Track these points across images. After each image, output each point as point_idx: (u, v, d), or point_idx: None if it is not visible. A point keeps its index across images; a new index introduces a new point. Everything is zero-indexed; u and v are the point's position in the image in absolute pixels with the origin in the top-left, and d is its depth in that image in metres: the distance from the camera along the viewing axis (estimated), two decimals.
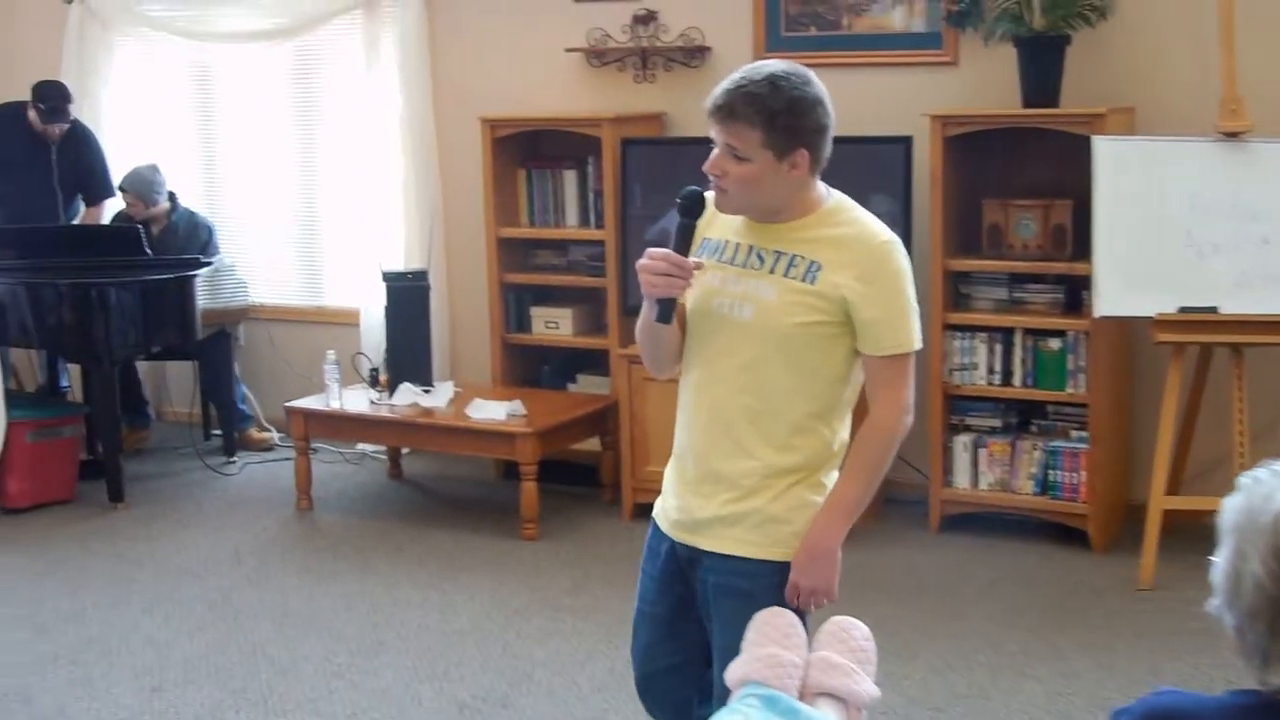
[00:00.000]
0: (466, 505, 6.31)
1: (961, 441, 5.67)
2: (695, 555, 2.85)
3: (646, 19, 6.37)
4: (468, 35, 6.77)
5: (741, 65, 2.77)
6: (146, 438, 7.37)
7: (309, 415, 6.26)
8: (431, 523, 6.02)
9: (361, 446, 6.96)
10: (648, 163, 6.16)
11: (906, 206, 5.57)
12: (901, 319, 2.72)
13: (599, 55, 6.47)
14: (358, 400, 6.30)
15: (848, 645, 2.70)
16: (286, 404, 6.43)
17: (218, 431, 7.25)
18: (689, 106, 6.28)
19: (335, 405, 6.24)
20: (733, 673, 2.66)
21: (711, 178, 2.72)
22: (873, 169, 5.63)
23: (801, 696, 2.60)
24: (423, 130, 6.88)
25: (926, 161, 5.56)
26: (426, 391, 6.18)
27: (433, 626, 4.88)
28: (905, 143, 5.60)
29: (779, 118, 2.61)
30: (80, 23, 7.59)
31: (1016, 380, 5.59)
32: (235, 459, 7.03)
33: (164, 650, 4.74)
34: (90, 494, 6.39)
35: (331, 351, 6.35)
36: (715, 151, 2.69)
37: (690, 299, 2.80)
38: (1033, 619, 4.83)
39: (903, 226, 5.55)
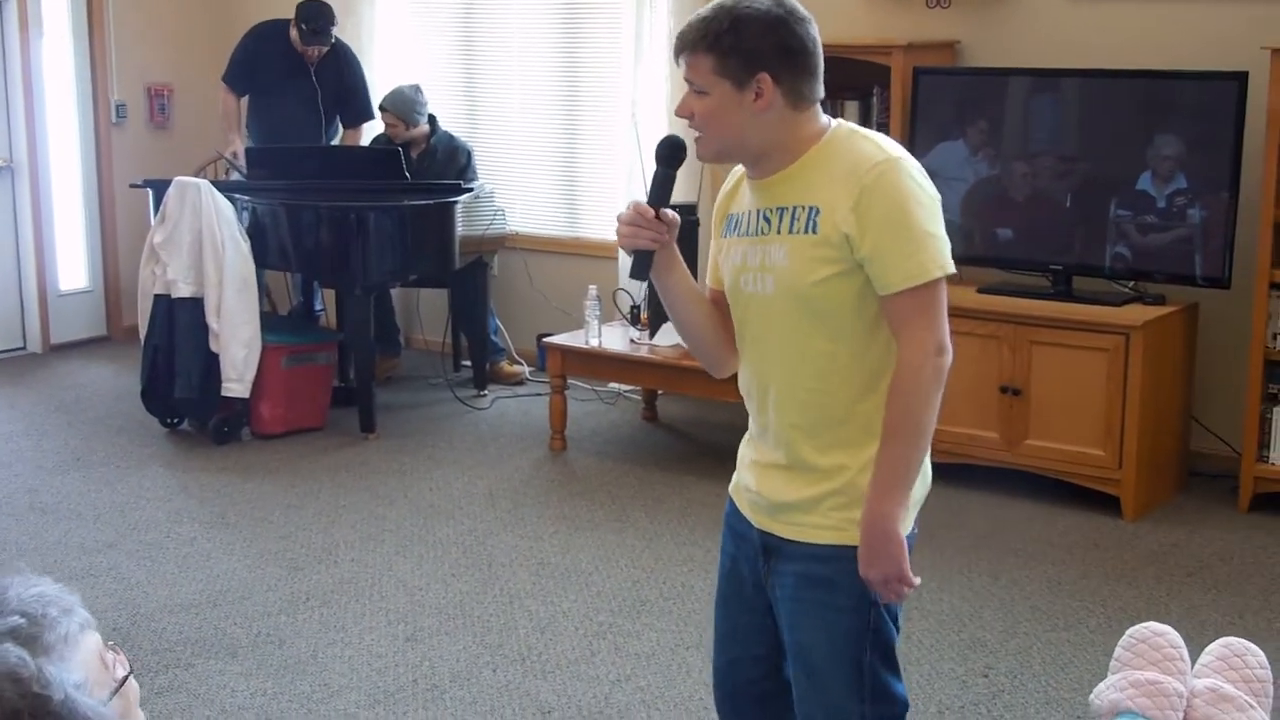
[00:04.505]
0: (728, 455, 5.92)
1: None
2: (773, 542, 2.51)
3: None
4: None
5: None
6: (396, 366, 7.22)
7: (566, 352, 5.98)
8: (692, 472, 5.70)
9: (615, 385, 6.67)
10: (939, 95, 5.69)
11: (1236, 152, 5.02)
12: (909, 245, 2.29)
13: None
14: (617, 339, 6.00)
15: (1241, 674, 2.27)
16: (545, 340, 6.16)
17: (467, 363, 7.05)
18: (985, 36, 5.80)
19: (594, 343, 5.95)
20: (1102, 698, 2.25)
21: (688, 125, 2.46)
22: (1198, 109, 5.14)
23: None
24: None
25: (1263, 102, 4.97)
26: None
27: (697, 588, 4.56)
28: (1239, 79, 5.01)
29: (724, 39, 2.36)
30: None
31: None
32: (486, 392, 6.82)
33: (418, 595, 4.52)
34: (341, 422, 6.25)
35: (593, 287, 6.05)
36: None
37: (725, 282, 2.53)
38: None
39: (1229, 173, 5.02)
